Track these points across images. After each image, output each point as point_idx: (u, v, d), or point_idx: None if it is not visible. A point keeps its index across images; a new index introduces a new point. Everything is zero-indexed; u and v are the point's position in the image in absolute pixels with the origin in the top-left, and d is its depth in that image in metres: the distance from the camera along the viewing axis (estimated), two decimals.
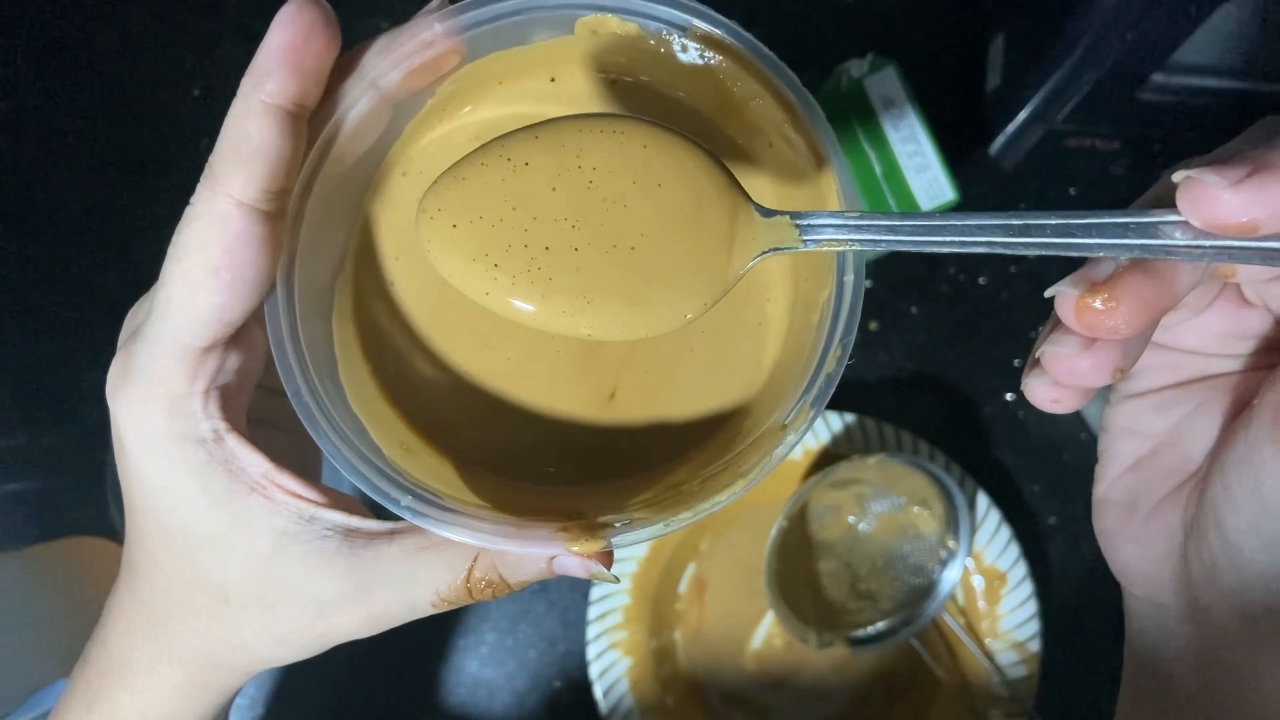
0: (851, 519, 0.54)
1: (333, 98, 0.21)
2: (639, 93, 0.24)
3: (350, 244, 0.23)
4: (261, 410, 0.24)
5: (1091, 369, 0.19)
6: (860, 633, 0.52)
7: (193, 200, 0.20)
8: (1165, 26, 0.43)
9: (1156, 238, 0.17)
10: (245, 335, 0.21)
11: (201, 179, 0.20)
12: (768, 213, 0.20)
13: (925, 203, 0.46)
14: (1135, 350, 0.20)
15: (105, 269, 0.55)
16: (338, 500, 0.22)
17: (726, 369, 0.25)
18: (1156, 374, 0.24)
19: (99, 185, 0.56)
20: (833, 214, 0.20)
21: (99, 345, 0.55)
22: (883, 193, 0.46)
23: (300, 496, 0.22)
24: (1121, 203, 0.63)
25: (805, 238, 0.20)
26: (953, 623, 0.53)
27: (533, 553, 0.21)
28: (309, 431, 0.20)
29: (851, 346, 0.22)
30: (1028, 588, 0.52)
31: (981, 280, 0.58)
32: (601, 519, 0.21)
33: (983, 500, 0.53)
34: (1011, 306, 0.58)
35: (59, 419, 0.54)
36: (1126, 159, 0.58)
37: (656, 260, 0.19)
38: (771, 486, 0.50)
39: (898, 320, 0.57)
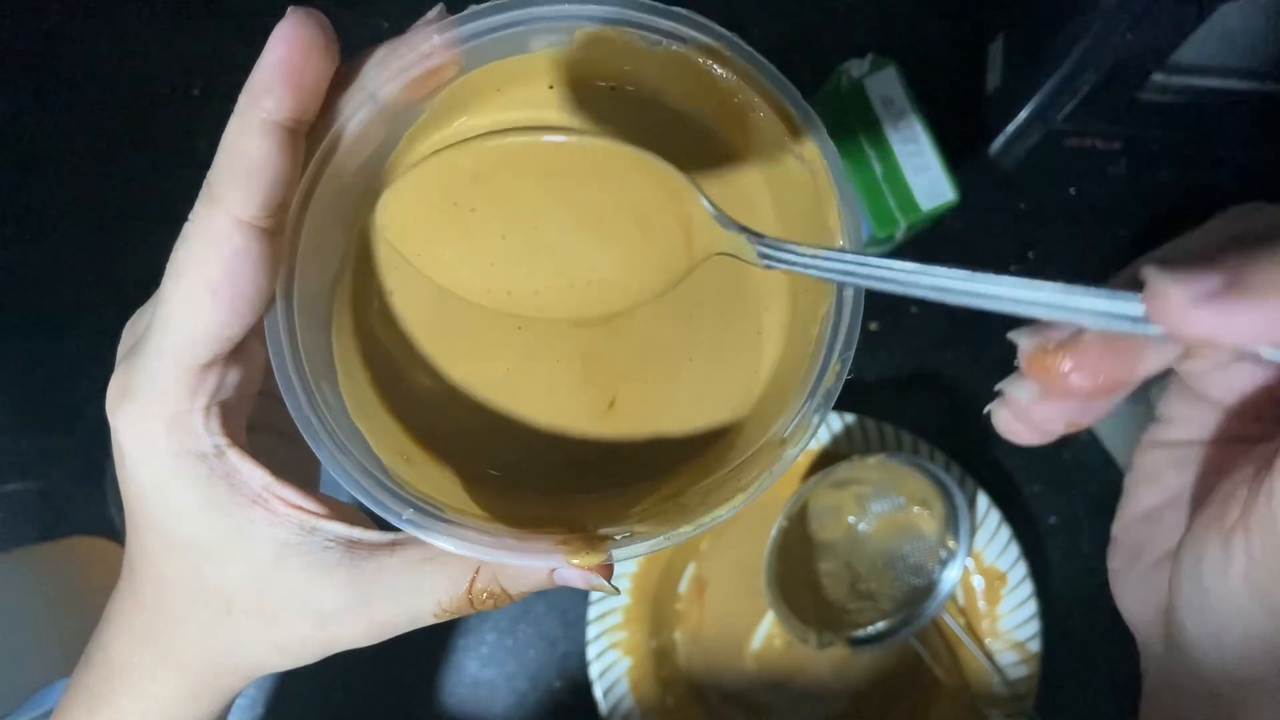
0: (851, 519, 0.54)
1: (331, 110, 0.21)
2: (639, 101, 0.24)
3: (349, 254, 0.23)
4: (261, 415, 0.24)
5: (1043, 418, 0.19)
6: (860, 633, 0.52)
7: (191, 216, 0.20)
8: (1165, 26, 0.43)
9: (1123, 315, 0.16)
10: (245, 348, 0.21)
11: (200, 196, 0.20)
12: (727, 222, 0.21)
13: (925, 203, 0.46)
14: (1096, 408, 0.19)
15: (104, 269, 0.55)
16: (339, 511, 0.22)
17: (725, 379, 0.25)
18: (1182, 426, 0.24)
19: (98, 185, 0.56)
20: (788, 244, 0.20)
21: (99, 345, 0.55)
22: (883, 193, 0.46)
23: (302, 508, 0.22)
24: (1122, 202, 0.63)
25: (762, 258, 0.20)
26: (953, 623, 0.53)
27: (533, 565, 0.22)
28: (310, 445, 0.20)
29: (851, 361, 0.22)
30: (1028, 588, 0.52)
31: None
32: (602, 531, 0.22)
33: (983, 500, 0.53)
34: None
35: (59, 419, 0.54)
36: (1126, 159, 0.58)
37: (611, 242, 0.21)
38: (772, 487, 0.50)
39: (898, 320, 0.57)
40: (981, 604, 0.54)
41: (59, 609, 0.45)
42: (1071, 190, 0.58)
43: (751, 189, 0.25)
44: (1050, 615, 0.53)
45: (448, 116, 0.23)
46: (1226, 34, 0.46)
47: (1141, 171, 0.58)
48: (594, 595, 0.52)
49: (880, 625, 0.52)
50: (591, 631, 0.52)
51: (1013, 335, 0.19)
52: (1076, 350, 0.18)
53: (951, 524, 0.51)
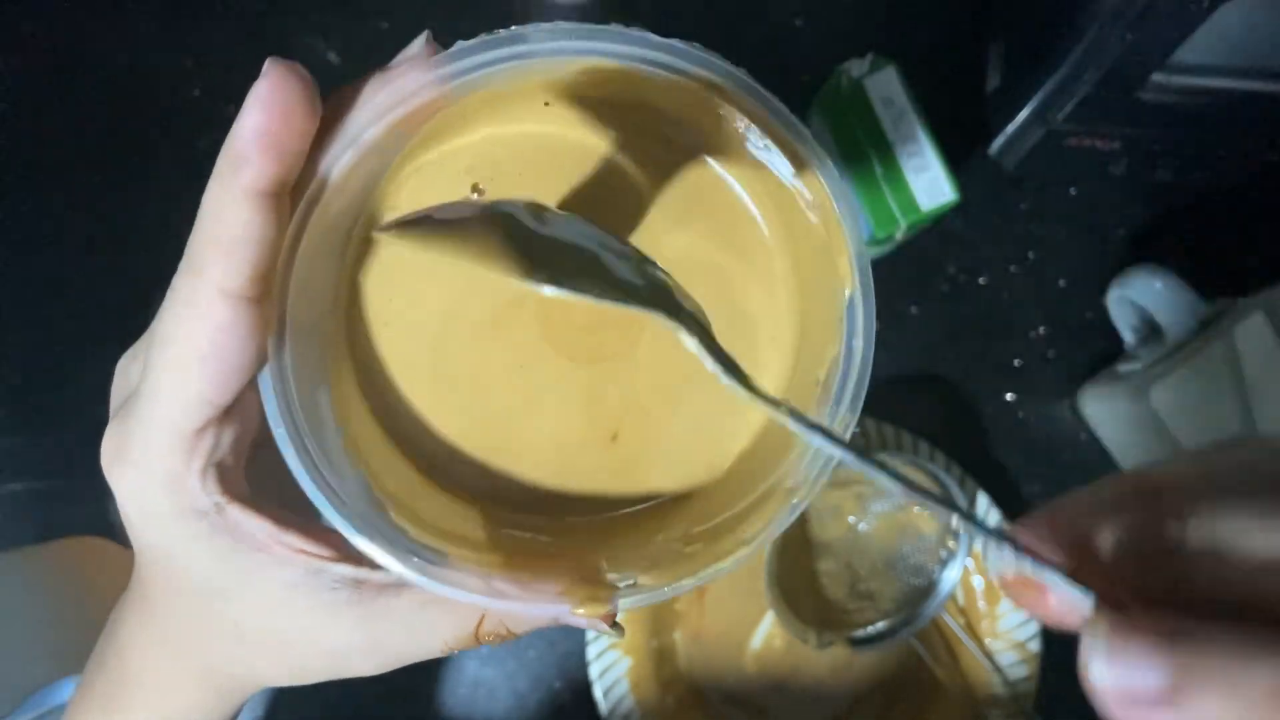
0: (851, 519, 0.54)
1: (316, 155, 0.20)
2: (637, 119, 0.23)
3: (339, 293, 0.23)
4: (261, 433, 0.24)
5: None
6: (860, 633, 0.52)
7: (174, 285, 0.19)
8: (1165, 26, 0.43)
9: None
10: (239, 400, 0.21)
11: (182, 264, 0.19)
12: (729, 379, 0.19)
13: (925, 203, 0.46)
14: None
15: (104, 269, 0.55)
16: (345, 550, 0.22)
17: (728, 409, 0.25)
18: None
19: (97, 185, 0.56)
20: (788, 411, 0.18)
21: (98, 345, 0.55)
22: (883, 193, 0.46)
23: (307, 552, 0.22)
24: (1122, 202, 0.63)
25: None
26: (953, 623, 0.53)
27: (539, 616, 0.22)
28: (309, 497, 0.20)
29: (860, 412, 0.22)
30: None
31: (982, 280, 0.58)
32: (608, 577, 0.22)
33: (983, 500, 0.53)
34: (1012, 306, 0.58)
35: (59, 419, 0.54)
36: (1126, 159, 0.58)
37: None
38: None
39: (898, 320, 0.57)
40: (981, 604, 0.54)
41: (59, 609, 0.45)
42: (1071, 190, 0.58)
43: (754, 229, 0.24)
44: None
45: (438, 138, 0.23)
46: (1226, 34, 0.46)
47: (1141, 171, 0.58)
48: None
49: (880, 625, 0.52)
50: (591, 631, 0.52)
51: (990, 564, 0.18)
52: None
53: (952, 524, 0.51)
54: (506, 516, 0.24)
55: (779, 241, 0.24)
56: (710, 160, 0.24)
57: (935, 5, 0.58)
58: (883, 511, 0.53)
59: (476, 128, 0.23)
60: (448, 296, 0.24)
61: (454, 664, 0.55)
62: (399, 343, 0.23)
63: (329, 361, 0.22)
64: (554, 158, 0.23)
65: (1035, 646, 0.52)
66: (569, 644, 0.55)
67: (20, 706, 0.42)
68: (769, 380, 0.25)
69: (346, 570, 0.22)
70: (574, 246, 0.19)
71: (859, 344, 0.21)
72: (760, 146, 0.22)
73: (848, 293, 0.21)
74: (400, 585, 0.23)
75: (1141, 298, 0.51)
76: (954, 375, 0.57)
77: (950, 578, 0.52)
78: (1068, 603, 0.16)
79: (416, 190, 0.23)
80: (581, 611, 0.21)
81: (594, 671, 0.52)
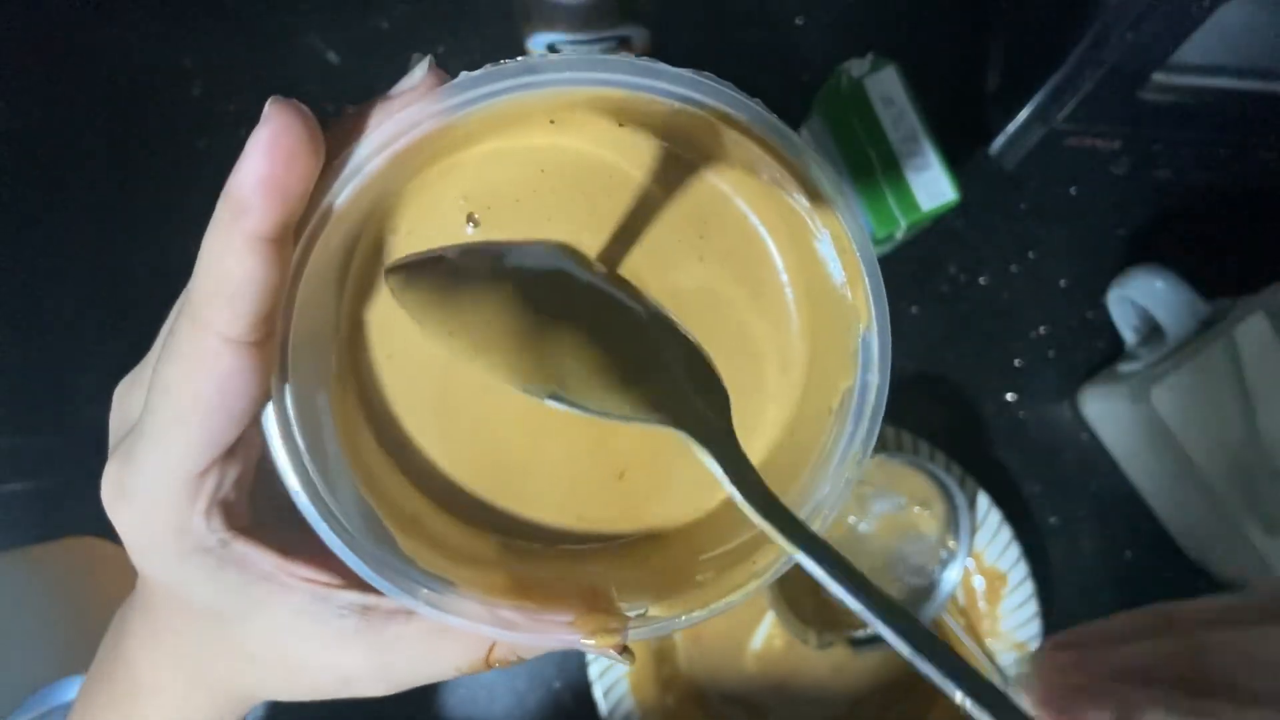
0: (852, 519, 0.54)
1: (320, 188, 0.19)
2: (645, 139, 0.23)
3: (341, 324, 0.22)
4: (265, 457, 0.24)
5: None
6: (860, 633, 0.52)
7: (175, 330, 0.19)
8: (1165, 26, 0.43)
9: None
10: (241, 436, 0.21)
11: (183, 310, 0.18)
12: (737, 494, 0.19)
13: (926, 202, 0.46)
14: None
15: (103, 269, 0.55)
16: (353, 578, 0.22)
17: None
18: None
19: (97, 185, 0.56)
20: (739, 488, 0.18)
21: (98, 345, 0.55)
22: (883, 193, 0.46)
23: (314, 581, 0.22)
24: (1122, 202, 0.63)
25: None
26: (953, 623, 0.53)
27: (550, 646, 0.22)
28: (317, 533, 0.20)
29: (873, 446, 0.21)
30: (1028, 588, 0.52)
31: (982, 280, 0.58)
32: (619, 604, 0.22)
33: (983, 500, 0.53)
34: (1012, 306, 0.58)
35: (58, 419, 0.54)
36: (1126, 159, 0.58)
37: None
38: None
39: (898, 320, 0.57)
40: (982, 604, 0.53)
41: (59, 609, 0.45)
42: (1071, 190, 0.58)
43: (766, 255, 0.24)
44: (1051, 616, 0.53)
45: (438, 159, 0.22)
46: (1226, 34, 0.46)
47: (1142, 171, 0.58)
48: None
49: None
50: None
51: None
52: None
53: (952, 524, 0.51)
54: (515, 545, 0.24)
55: (792, 269, 0.24)
56: (721, 184, 0.23)
57: (935, 5, 0.58)
58: (883, 512, 0.53)
59: (478, 146, 0.22)
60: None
61: None
62: (404, 377, 0.23)
63: (332, 395, 0.22)
64: (556, 181, 0.23)
65: (1036, 647, 0.52)
66: None
67: (20, 706, 0.42)
68: (775, 405, 0.24)
69: (354, 597, 0.22)
70: (586, 322, 0.18)
71: (874, 378, 0.21)
72: (774, 175, 0.21)
73: (862, 326, 0.21)
74: (410, 611, 0.22)
75: (1142, 298, 0.51)
76: (954, 375, 0.57)
77: (950, 578, 0.52)
78: None
79: (415, 220, 0.22)
80: (593, 643, 0.21)
81: (594, 671, 0.52)
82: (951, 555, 0.52)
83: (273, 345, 0.19)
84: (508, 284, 0.18)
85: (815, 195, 0.20)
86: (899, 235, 0.48)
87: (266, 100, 0.17)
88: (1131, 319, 0.55)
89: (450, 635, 0.22)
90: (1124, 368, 0.54)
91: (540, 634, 0.21)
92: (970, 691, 0.16)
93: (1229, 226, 0.58)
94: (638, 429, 0.23)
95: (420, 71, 0.19)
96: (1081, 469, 0.57)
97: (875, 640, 0.52)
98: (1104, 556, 0.57)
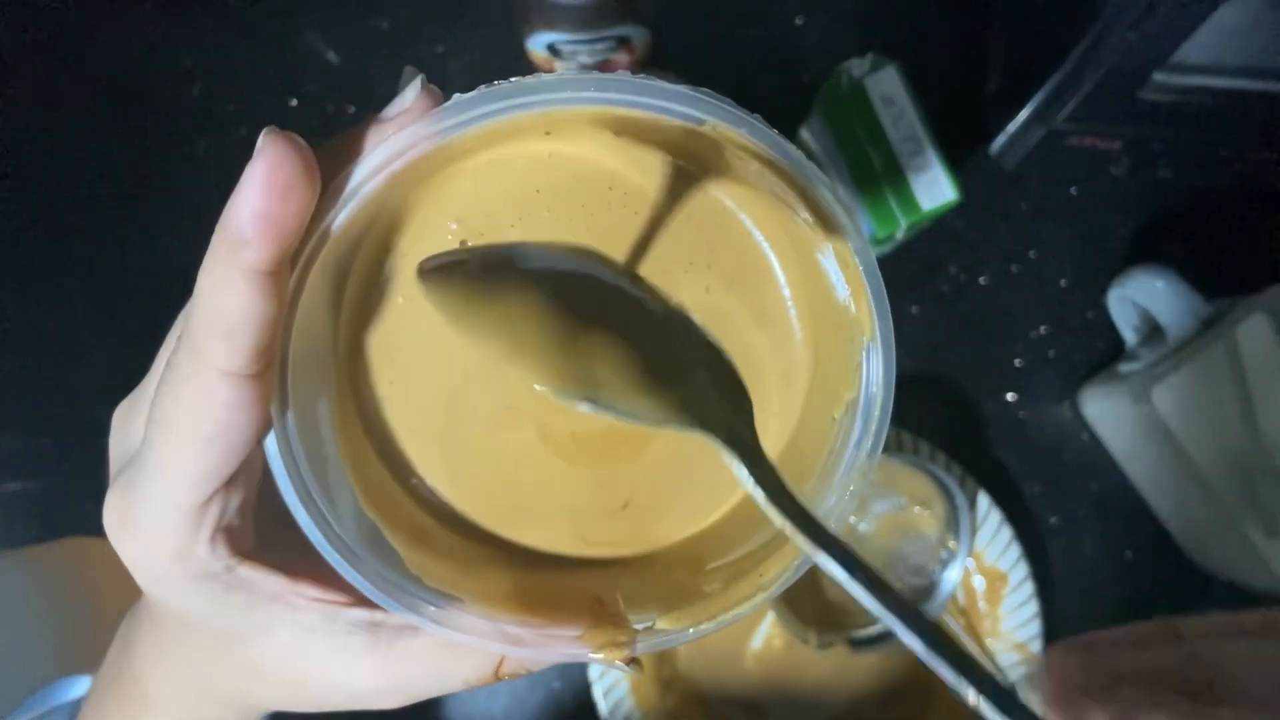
0: (852, 519, 0.54)
1: (317, 216, 0.19)
2: (643, 151, 0.22)
3: (339, 348, 0.22)
4: (267, 480, 0.24)
5: None
6: (860, 633, 0.52)
7: (173, 363, 0.19)
8: (1165, 26, 0.43)
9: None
10: (242, 466, 0.21)
11: (181, 343, 0.18)
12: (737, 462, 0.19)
13: (926, 202, 0.46)
14: None
15: (103, 269, 0.55)
16: (360, 595, 0.22)
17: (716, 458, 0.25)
18: None
19: (97, 185, 0.56)
20: (746, 465, 0.18)
21: (98, 346, 0.55)
22: (883, 193, 0.46)
23: (321, 600, 0.22)
24: (1122, 202, 0.63)
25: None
26: (953, 623, 0.53)
27: (559, 660, 0.22)
28: (322, 554, 0.20)
29: (879, 457, 0.22)
30: (1029, 588, 0.52)
31: (982, 280, 0.58)
32: (627, 614, 0.22)
33: (983, 500, 0.53)
34: (1012, 306, 0.58)
35: (58, 419, 0.54)
36: (1126, 159, 0.58)
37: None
38: None
39: (898, 320, 0.57)
40: (982, 604, 0.53)
41: (59, 609, 0.45)
42: (1071, 190, 0.58)
43: (768, 267, 0.24)
44: (1051, 616, 0.53)
45: (432, 174, 0.22)
46: (1226, 34, 0.46)
47: (1142, 171, 0.58)
48: None
49: (881, 626, 0.52)
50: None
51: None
52: None
53: (952, 524, 0.51)
54: (520, 560, 0.24)
55: (795, 283, 0.24)
56: (723, 198, 0.23)
57: (935, 5, 0.58)
58: (883, 512, 0.53)
59: (472, 162, 0.22)
60: (453, 353, 0.23)
61: None
62: (406, 404, 0.23)
63: (333, 417, 0.22)
64: (552, 199, 0.22)
65: (1036, 647, 0.52)
66: None
67: (20, 706, 0.42)
68: (778, 419, 0.24)
69: (362, 614, 0.22)
70: (616, 325, 0.18)
71: (878, 391, 0.21)
72: (775, 189, 0.21)
73: (866, 339, 0.21)
74: (417, 627, 0.22)
75: (1142, 298, 0.51)
76: (954, 375, 0.57)
77: (951, 578, 0.52)
78: None
79: (411, 241, 0.22)
80: (601, 657, 0.21)
81: (594, 672, 0.52)
82: (951, 555, 0.52)
83: (272, 374, 0.19)
84: (540, 287, 0.18)
85: (817, 209, 0.20)
86: (899, 235, 0.48)
87: (261, 131, 0.17)
88: (1132, 319, 0.55)
89: (459, 650, 0.23)
90: (1124, 368, 0.53)
91: (547, 648, 0.21)
92: (983, 691, 0.16)
93: (1229, 226, 0.58)
94: (641, 460, 0.23)
95: (413, 93, 0.19)
96: (1081, 469, 0.57)
97: (875, 641, 0.52)
98: (1104, 556, 0.57)
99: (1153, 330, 0.54)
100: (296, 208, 0.17)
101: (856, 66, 0.46)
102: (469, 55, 0.56)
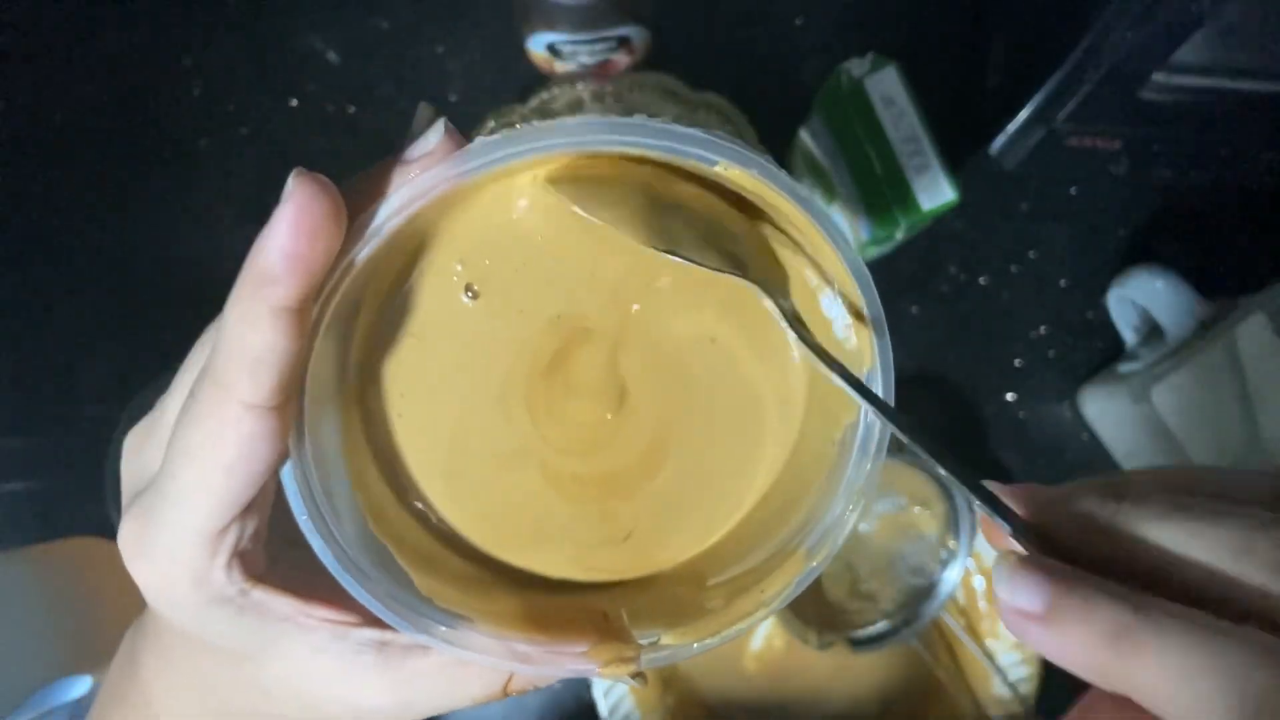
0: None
1: (342, 252, 0.20)
2: (643, 188, 0.23)
3: (349, 382, 0.23)
4: (279, 502, 0.25)
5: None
6: (861, 633, 0.52)
7: (197, 395, 0.19)
8: (1165, 26, 0.43)
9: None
10: (257, 493, 0.21)
11: (206, 375, 0.19)
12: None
13: (925, 203, 0.46)
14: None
15: (104, 269, 0.55)
16: (369, 616, 0.23)
17: (734, 475, 0.25)
18: None
19: (98, 185, 0.56)
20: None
21: (98, 345, 0.55)
22: (883, 193, 0.46)
23: (332, 621, 0.22)
24: (1122, 202, 0.63)
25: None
26: (953, 623, 0.53)
27: (567, 675, 0.23)
28: (335, 577, 0.21)
29: (877, 481, 0.22)
30: None
31: (982, 280, 0.58)
32: (631, 634, 0.22)
33: None
34: (1012, 306, 0.58)
35: (59, 419, 0.54)
36: (1127, 159, 0.58)
37: None
38: None
39: (898, 320, 0.57)
40: (982, 604, 0.53)
41: (59, 609, 0.45)
42: (1071, 190, 0.58)
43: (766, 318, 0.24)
44: None
45: (450, 206, 0.22)
46: (1226, 34, 0.46)
47: (1142, 171, 0.58)
48: None
49: (881, 626, 0.52)
50: None
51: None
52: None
53: (952, 524, 0.51)
54: (525, 582, 0.25)
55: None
56: (725, 226, 0.24)
57: (935, 5, 0.58)
58: (884, 512, 0.53)
59: (482, 198, 0.22)
60: (459, 391, 0.23)
61: None
62: (415, 436, 0.23)
63: (345, 446, 0.23)
64: (557, 238, 0.23)
65: None
66: None
67: (20, 706, 0.42)
68: (775, 445, 0.25)
69: (372, 634, 0.23)
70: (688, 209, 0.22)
71: (875, 421, 0.22)
72: (777, 221, 0.22)
73: (866, 368, 0.22)
74: (426, 645, 0.23)
75: (1142, 298, 0.51)
76: (954, 375, 0.57)
77: (951, 578, 0.52)
78: (1011, 541, 0.19)
79: (421, 276, 0.23)
80: (608, 672, 0.22)
81: None
82: (951, 555, 0.52)
83: (290, 406, 0.20)
84: (631, 183, 0.21)
85: (816, 242, 0.21)
86: (899, 235, 0.48)
87: (290, 174, 0.18)
88: (1131, 319, 0.55)
89: (468, 667, 0.23)
90: (1124, 368, 0.54)
91: (555, 665, 0.22)
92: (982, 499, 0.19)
93: (1229, 226, 0.58)
94: (642, 495, 0.24)
95: (436, 135, 0.20)
96: (1081, 469, 0.57)
97: (875, 641, 0.52)
98: None
99: (1152, 330, 0.54)
100: (324, 248, 0.18)
101: (856, 66, 0.46)
102: (469, 55, 0.56)
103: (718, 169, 0.20)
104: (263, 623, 0.22)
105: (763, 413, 0.25)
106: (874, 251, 0.52)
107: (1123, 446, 0.56)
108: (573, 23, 0.48)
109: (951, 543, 0.52)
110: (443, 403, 0.23)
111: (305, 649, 0.22)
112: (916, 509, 0.53)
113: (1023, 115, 0.52)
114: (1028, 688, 0.52)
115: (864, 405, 0.21)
